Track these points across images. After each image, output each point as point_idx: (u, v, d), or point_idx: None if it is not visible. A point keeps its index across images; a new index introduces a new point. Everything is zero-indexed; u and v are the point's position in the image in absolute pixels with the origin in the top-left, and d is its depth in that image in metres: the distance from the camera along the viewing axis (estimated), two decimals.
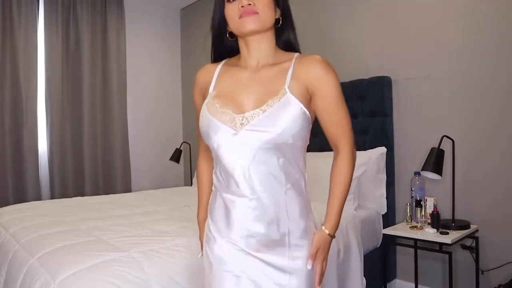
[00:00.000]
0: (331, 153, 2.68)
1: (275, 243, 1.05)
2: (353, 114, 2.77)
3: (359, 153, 2.78)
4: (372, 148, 2.59)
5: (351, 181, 1.13)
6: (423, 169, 2.21)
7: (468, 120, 2.34)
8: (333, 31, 3.03)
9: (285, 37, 1.13)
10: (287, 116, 0.99)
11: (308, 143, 1.11)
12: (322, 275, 1.10)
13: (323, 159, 2.65)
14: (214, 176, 1.12)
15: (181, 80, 4.69)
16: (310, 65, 1.05)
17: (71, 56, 3.78)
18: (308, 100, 1.05)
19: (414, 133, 2.58)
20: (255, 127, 1.00)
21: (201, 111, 1.09)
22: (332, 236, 1.12)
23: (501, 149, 2.23)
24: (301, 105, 1.01)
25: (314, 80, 1.04)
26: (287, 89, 1.02)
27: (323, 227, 1.12)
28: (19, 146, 3.46)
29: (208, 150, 1.14)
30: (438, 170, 2.17)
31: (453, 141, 2.25)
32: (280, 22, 1.10)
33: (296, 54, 1.11)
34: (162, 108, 4.53)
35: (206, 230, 1.16)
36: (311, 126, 1.08)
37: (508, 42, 2.18)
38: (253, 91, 1.05)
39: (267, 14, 1.04)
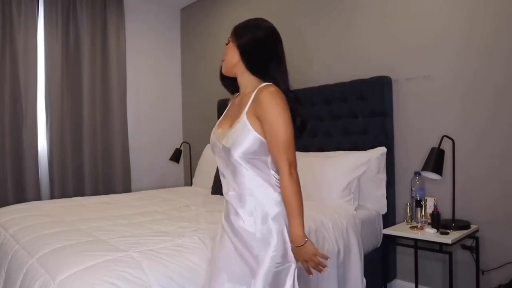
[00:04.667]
0: (331, 153, 2.70)
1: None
2: (353, 114, 2.77)
3: (359, 153, 2.80)
4: (372, 148, 2.58)
5: (298, 194, 1.30)
6: (423, 169, 2.21)
7: (468, 120, 2.34)
8: (333, 32, 3.03)
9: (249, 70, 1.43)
10: (240, 135, 1.32)
11: (268, 158, 1.36)
12: (314, 267, 1.33)
13: (323, 159, 2.65)
14: None
15: (181, 79, 4.69)
16: (258, 96, 1.32)
17: (71, 56, 3.78)
18: (259, 124, 1.32)
19: (414, 133, 2.58)
20: (225, 142, 1.35)
21: None
22: (302, 245, 1.30)
23: (501, 149, 2.22)
24: (251, 128, 1.31)
25: (259, 109, 1.31)
26: (245, 115, 1.33)
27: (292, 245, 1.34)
28: (19, 146, 3.46)
29: None
30: (438, 170, 2.17)
31: (453, 141, 2.25)
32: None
33: (260, 85, 1.37)
34: (162, 108, 4.53)
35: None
36: (264, 146, 1.33)
37: (508, 42, 2.18)
38: (229, 115, 1.47)
39: (227, 60, 1.43)
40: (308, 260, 1.31)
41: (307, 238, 1.30)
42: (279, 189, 1.34)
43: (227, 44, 1.45)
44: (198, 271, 1.59)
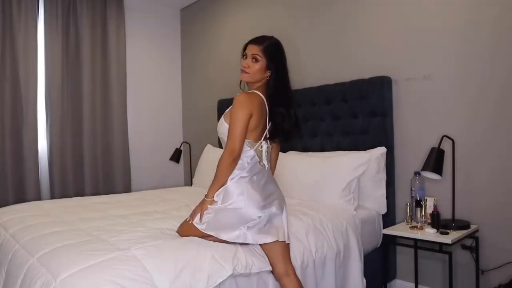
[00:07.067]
0: (331, 153, 2.70)
1: None
2: (353, 114, 2.77)
3: (359, 153, 2.80)
4: (372, 148, 2.58)
5: (221, 168, 1.79)
6: (423, 169, 2.21)
7: (468, 120, 2.34)
8: (333, 31, 3.03)
9: None
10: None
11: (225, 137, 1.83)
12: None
13: (323, 159, 2.65)
14: None
15: (181, 79, 4.69)
16: None
17: (71, 56, 3.78)
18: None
19: (414, 133, 2.58)
20: None
21: None
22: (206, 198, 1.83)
23: (501, 149, 2.23)
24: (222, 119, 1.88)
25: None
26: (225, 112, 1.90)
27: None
28: (19, 146, 3.46)
29: None
30: (438, 170, 2.17)
31: (453, 141, 2.25)
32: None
33: None
34: (162, 108, 4.53)
35: None
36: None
37: (507, 42, 2.18)
38: None
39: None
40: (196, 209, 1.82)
41: (206, 198, 1.81)
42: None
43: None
44: (201, 267, 1.59)
